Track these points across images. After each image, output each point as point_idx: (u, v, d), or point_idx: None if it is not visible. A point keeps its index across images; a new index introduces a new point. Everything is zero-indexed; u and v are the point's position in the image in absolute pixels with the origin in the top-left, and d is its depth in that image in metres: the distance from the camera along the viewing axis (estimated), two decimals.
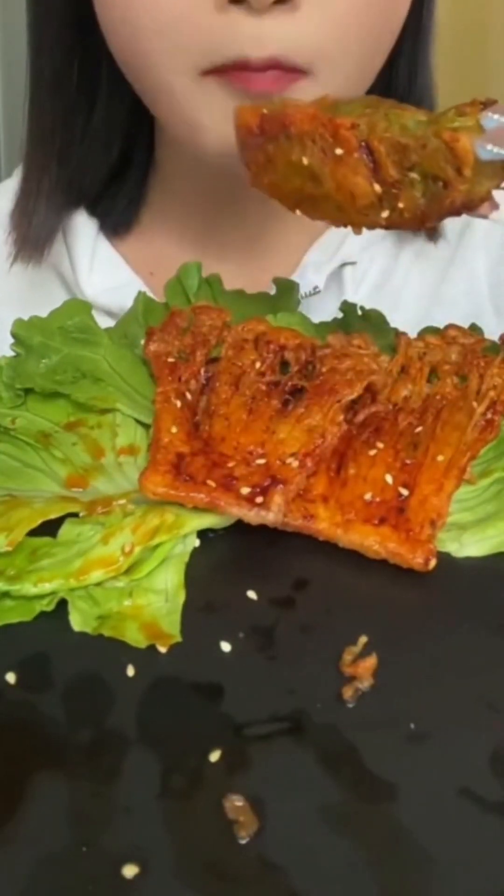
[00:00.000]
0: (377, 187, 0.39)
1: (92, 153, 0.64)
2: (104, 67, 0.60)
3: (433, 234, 0.67)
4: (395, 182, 0.38)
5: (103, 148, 0.64)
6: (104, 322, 0.62)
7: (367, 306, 0.64)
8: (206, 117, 0.54)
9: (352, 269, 0.65)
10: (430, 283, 0.68)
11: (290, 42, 0.51)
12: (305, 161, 0.40)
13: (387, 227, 0.40)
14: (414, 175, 0.38)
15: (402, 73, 0.63)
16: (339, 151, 0.39)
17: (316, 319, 0.59)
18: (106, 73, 0.61)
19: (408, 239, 0.68)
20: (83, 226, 0.65)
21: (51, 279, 0.66)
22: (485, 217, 0.38)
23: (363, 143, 0.38)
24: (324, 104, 0.42)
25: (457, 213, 0.38)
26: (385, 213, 0.39)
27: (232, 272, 0.62)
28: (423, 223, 0.40)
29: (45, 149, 0.63)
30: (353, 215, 0.40)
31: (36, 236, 0.64)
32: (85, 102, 0.63)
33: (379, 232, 0.67)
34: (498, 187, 0.37)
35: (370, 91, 0.58)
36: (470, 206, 0.38)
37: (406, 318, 0.64)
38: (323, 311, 0.63)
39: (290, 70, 0.52)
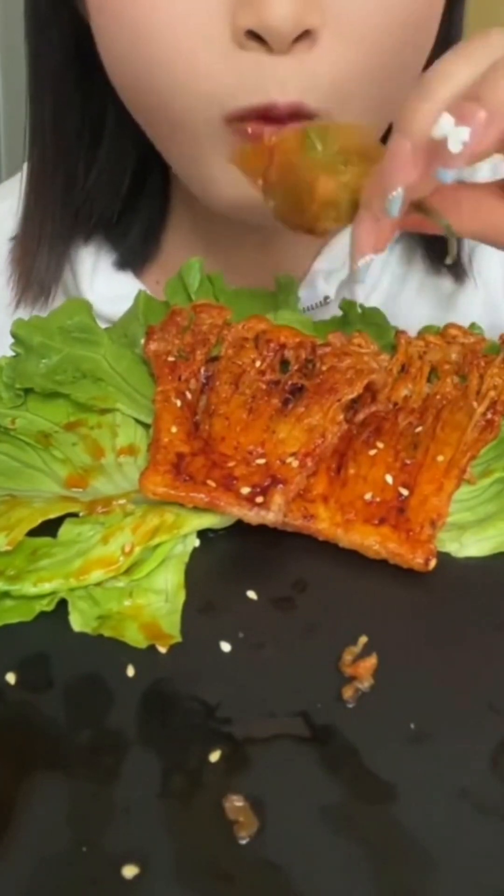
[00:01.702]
0: (260, 182, 0.45)
1: (99, 188, 0.62)
2: (109, 104, 0.59)
3: (456, 273, 0.67)
4: (270, 185, 0.45)
5: (111, 182, 0.62)
6: None
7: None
8: (218, 177, 0.53)
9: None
10: (444, 292, 0.67)
11: (312, 82, 0.49)
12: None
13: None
14: (288, 190, 0.44)
15: None
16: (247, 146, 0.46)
17: None
18: (112, 109, 0.59)
19: (418, 253, 0.68)
20: (85, 254, 0.65)
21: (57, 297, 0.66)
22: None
23: (269, 146, 0.44)
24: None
25: (304, 231, 0.45)
26: (271, 203, 0.45)
27: (239, 280, 0.62)
28: (281, 222, 0.46)
29: (48, 187, 0.62)
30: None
31: (40, 279, 0.63)
32: (89, 139, 0.61)
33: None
34: (330, 228, 0.44)
35: None
36: (313, 233, 0.44)
37: (418, 328, 0.64)
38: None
39: (307, 116, 0.50)
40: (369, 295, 0.66)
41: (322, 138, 0.44)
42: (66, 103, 0.60)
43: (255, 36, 0.47)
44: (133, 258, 0.66)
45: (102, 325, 0.57)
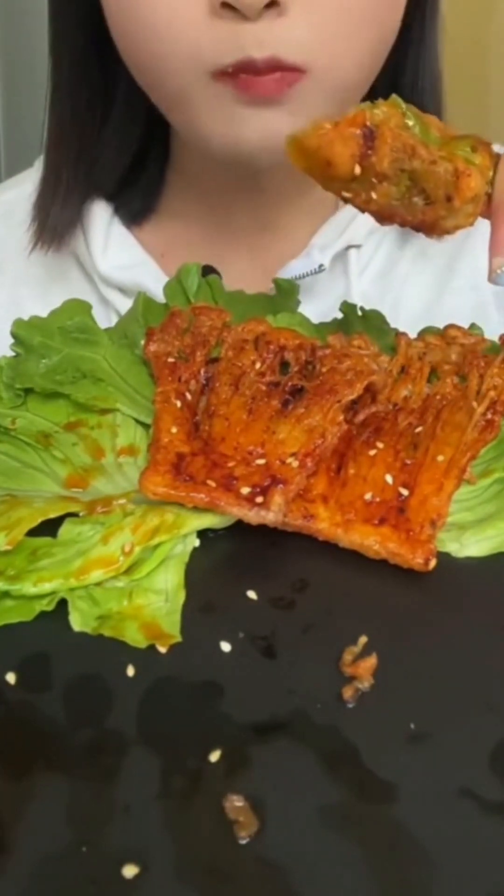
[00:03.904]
0: (357, 169, 0.38)
1: (110, 149, 0.67)
2: (121, 70, 0.62)
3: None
4: (379, 175, 0.38)
5: (121, 144, 0.67)
6: (117, 299, 0.63)
7: (371, 292, 0.64)
8: (211, 122, 0.56)
9: (356, 253, 0.67)
10: (436, 274, 0.68)
11: (286, 40, 0.53)
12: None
13: (343, 201, 0.40)
14: (404, 179, 0.38)
15: (410, 64, 0.65)
16: (338, 120, 0.39)
17: (320, 300, 0.60)
18: (124, 75, 0.63)
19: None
20: (99, 211, 0.68)
21: (68, 263, 0.69)
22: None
23: (368, 125, 0.38)
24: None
25: (416, 228, 0.39)
26: (348, 194, 0.39)
27: (241, 254, 0.65)
28: (381, 219, 0.40)
29: (64, 145, 0.66)
30: (319, 176, 0.40)
31: (54, 226, 0.67)
32: (102, 101, 0.65)
33: None
34: (464, 226, 0.39)
35: (377, 80, 0.61)
36: (432, 231, 0.39)
37: (410, 308, 0.65)
38: (326, 292, 0.64)
39: (290, 69, 0.54)
40: (365, 266, 0.66)
41: (416, 116, 0.38)
42: (82, 70, 0.65)
43: (228, 6, 0.52)
44: (134, 214, 0.69)
45: (112, 293, 0.61)
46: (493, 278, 0.39)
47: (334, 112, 0.58)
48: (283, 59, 0.53)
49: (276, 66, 0.53)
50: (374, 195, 0.39)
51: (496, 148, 0.41)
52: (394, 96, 0.39)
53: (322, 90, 0.56)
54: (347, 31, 0.55)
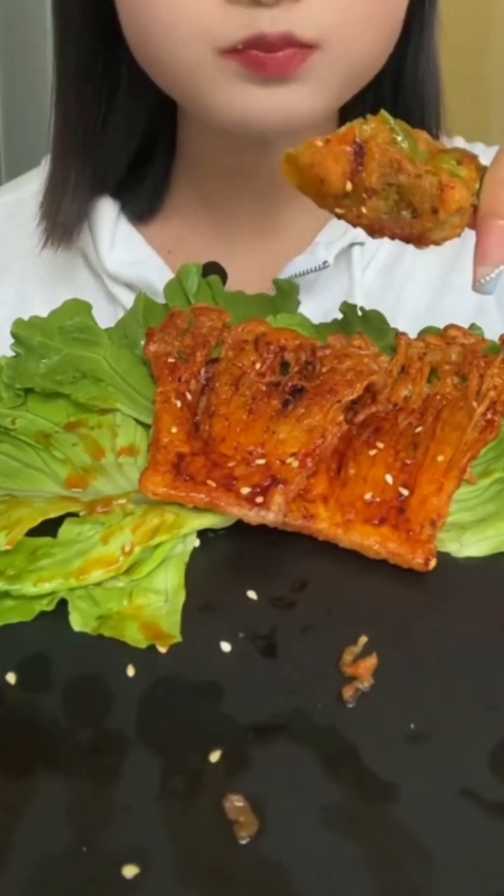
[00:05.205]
0: (349, 185, 0.39)
1: (114, 143, 0.66)
2: (125, 63, 0.62)
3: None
4: (369, 190, 0.39)
5: (124, 138, 0.67)
6: (125, 296, 0.64)
7: (374, 288, 0.64)
8: (218, 98, 0.56)
9: (360, 250, 0.67)
10: (439, 270, 0.68)
11: (301, 21, 0.53)
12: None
13: (337, 218, 0.41)
14: (392, 193, 0.39)
15: (409, 58, 0.65)
16: (329, 137, 0.39)
17: (323, 296, 0.60)
18: (126, 68, 0.63)
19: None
20: (105, 208, 0.68)
21: (75, 260, 0.69)
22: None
23: (357, 141, 0.39)
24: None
25: (406, 241, 0.40)
26: (340, 210, 0.41)
27: (246, 251, 0.65)
28: (371, 232, 0.41)
29: (70, 138, 0.66)
30: (313, 193, 0.41)
31: (64, 222, 0.66)
32: (108, 94, 0.65)
33: None
34: (452, 238, 0.40)
35: (381, 74, 0.61)
36: (420, 242, 0.40)
37: (413, 304, 0.65)
38: (330, 288, 0.64)
39: (302, 46, 0.53)
40: (368, 262, 0.66)
41: (405, 132, 0.39)
42: (87, 56, 0.64)
43: None
44: (140, 213, 0.69)
45: (120, 290, 0.61)
46: (476, 287, 0.40)
47: (342, 93, 0.58)
48: (296, 35, 0.53)
49: (288, 42, 0.53)
50: (364, 210, 0.40)
51: (482, 151, 0.41)
52: (382, 112, 0.40)
53: (335, 68, 0.56)
54: (363, 17, 0.55)
